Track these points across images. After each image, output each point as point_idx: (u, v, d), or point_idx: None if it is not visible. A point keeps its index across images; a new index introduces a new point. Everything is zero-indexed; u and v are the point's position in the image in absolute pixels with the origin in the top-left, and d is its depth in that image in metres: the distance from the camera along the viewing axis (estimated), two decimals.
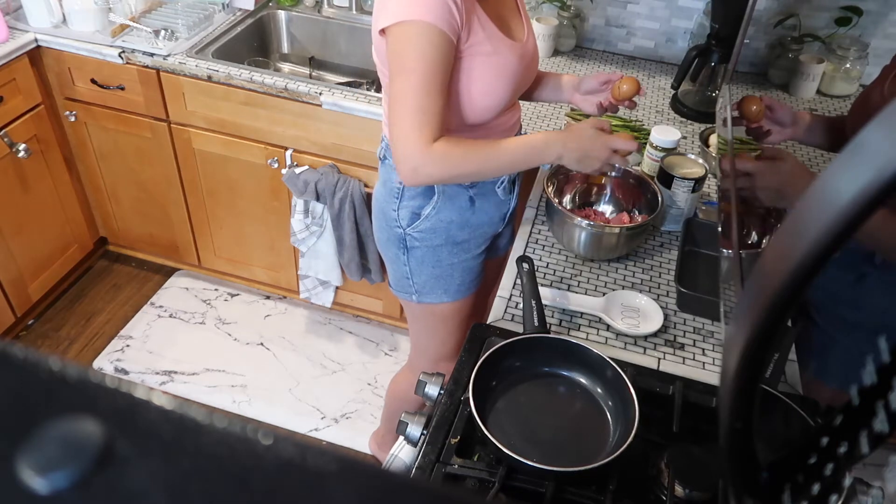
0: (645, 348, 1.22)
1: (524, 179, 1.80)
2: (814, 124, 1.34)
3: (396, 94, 1.12)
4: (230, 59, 2.02)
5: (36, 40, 2.02)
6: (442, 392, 1.08)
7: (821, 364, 1.30)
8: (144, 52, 1.97)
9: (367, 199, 1.97)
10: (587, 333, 1.24)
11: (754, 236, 1.29)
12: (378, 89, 2.09)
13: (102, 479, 0.24)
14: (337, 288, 2.27)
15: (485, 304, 1.75)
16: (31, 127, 2.09)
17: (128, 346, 2.33)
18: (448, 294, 1.46)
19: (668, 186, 1.43)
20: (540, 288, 1.19)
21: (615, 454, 0.91)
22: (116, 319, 2.42)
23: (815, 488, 0.44)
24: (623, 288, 1.34)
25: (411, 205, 1.34)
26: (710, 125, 1.83)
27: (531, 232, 1.46)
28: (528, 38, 1.30)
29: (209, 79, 1.93)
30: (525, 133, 1.43)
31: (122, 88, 2.05)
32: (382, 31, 1.13)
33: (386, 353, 2.37)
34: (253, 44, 2.25)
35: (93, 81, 2.06)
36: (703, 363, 1.20)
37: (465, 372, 1.08)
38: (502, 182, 1.38)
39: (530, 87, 1.43)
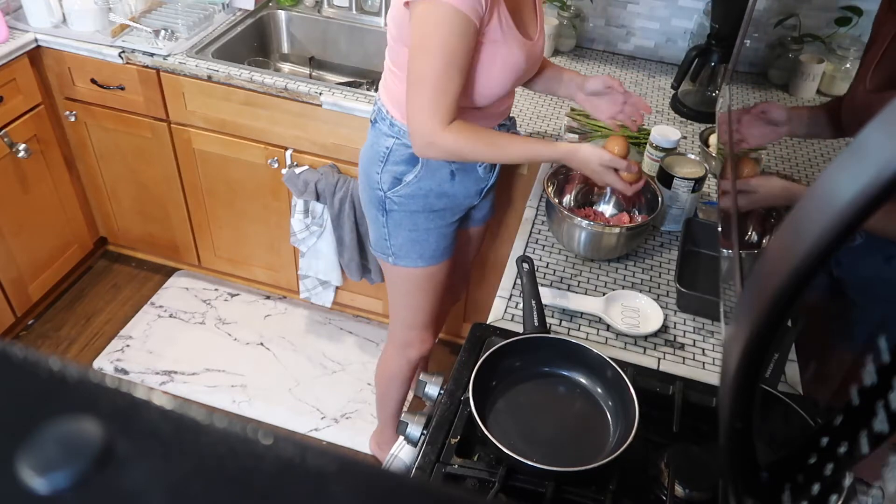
0: (645, 348, 1.22)
1: (524, 180, 1.81)
2: (811, 117, 1.33)
3: (417, 73, 1.17)
4: (230, 59, 2.02)
5: (36, 40, 2.02)
6: (442, 392, 1.08)
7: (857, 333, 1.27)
8: (144, 52, 1.97)
9: None
10: (587, 333, 1.24)
11: (754, 236, 1.29)
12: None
13: (102, 479, 0.24)
14: (337, 288, 2.27)
15: (457, 275, 1.80)
16: (31, 127, 2.09)
17: (128, 346, 2.33)
18: (423, 259, 1.50)
19: (668, 186, 1.43)
20: (540, 288, 1.19)
21: (615, 454, 0.91)
22: (116, 319, 2.42)
23: (815, 488, 0.44)
24: (623, 288, 1.34)
25: (394, 170, 1.38)
26: (710, 125, 1.83)
27: (531, 232, 1.46)
28: (538, 37, 1.33)
29: (209, 79, 1.93)
30: (515, 119, 1.52)
31: (122, 88, 2.05)
32: (407, 3, 1.15)
33: None
34: (253, 44, 2.25)
35: (93, 81, 2.06)
36: (703, 363, 1.20)
37: (465, 372, 1.08)
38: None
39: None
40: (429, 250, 1.49)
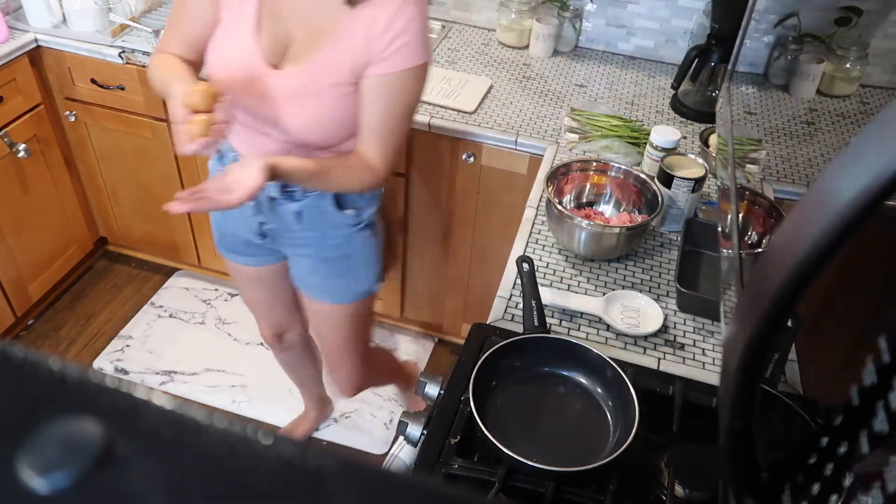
0: (645, 348, 1.22)
1: (524, 180, 1.81)
2: None
3: None
4: None
5: (36, 40, 2.02)
6: (442, 392, 1.08)
7: None
8: (144, 52, 1.97)
9: None
10: (587, 333, 1.24)
11: (754, 236, 1.29)
12: None
13: (102, 479, 0.24)
14: None
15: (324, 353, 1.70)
16: (31, 127, 2.09)
17: (128, 346, 2.33)
18: (215, 239, 1.53)
19: (668, 186, 1.43)
20: (540, 288, 1.19)
21: (615, 454, 0.91)
22: (116, 319, 2.42)
23: (815, 488, 0.44)
24: (623, 288, 1.34)
25: None
26: (710, 125, 1.83)
27: (531, 232, 1.46)
28: (292, 73, 1.16)
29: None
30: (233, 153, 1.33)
31: (122, 88, 2.05)
32: None
33: None
34: None
35: (93, 81, 2.06)
36: (703, 363, 1.20)
37: (465, 372, 1.08)
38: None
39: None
40: (216, 234, 1.50)
